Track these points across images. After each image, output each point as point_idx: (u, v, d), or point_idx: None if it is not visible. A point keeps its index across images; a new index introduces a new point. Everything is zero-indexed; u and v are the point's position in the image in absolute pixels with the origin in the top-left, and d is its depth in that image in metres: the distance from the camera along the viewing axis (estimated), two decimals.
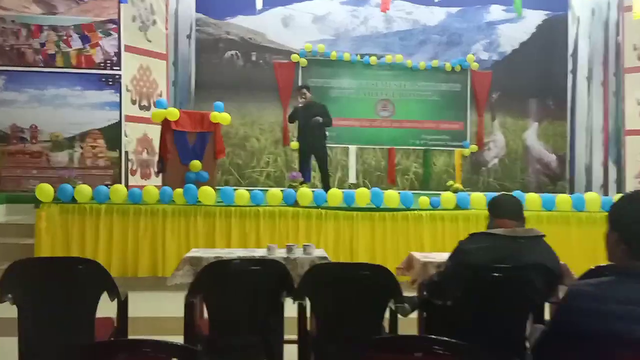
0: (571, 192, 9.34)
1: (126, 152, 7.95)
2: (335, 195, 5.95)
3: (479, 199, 5.92)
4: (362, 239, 5.82)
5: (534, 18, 10.05)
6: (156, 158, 8.50)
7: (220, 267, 2.86)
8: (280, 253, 3.59)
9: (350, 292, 2.73)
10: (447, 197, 5.94)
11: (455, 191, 6.09)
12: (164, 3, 8.39)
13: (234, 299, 2.78)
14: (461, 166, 10.35)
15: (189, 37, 9.71)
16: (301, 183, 6.32)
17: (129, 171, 8.11)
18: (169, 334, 2.05)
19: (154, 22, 8.21)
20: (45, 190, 5.75)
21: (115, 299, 2.96)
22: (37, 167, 7.57)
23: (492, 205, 2.93)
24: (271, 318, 2.90)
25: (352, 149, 10.19)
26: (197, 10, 9.89)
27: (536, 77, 10.24)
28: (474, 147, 10.32)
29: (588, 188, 9.47)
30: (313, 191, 6.04)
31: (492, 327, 2.60)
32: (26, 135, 7.53)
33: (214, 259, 3.52)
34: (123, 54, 7.59)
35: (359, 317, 2.76)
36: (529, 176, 10.40)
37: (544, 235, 2.78)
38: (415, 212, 5.87)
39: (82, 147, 7.66)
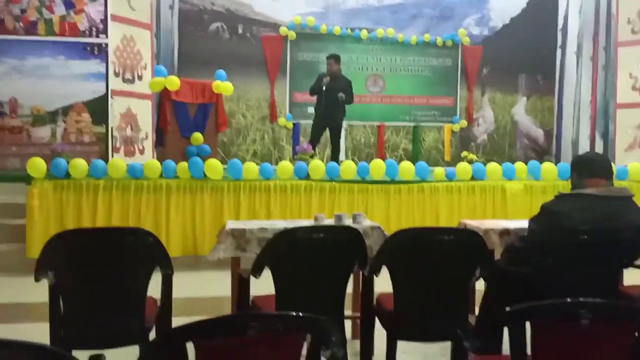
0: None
1: (111, 128, 7.51)
2: (349, 167, 5.71)
3: (496, 169, 5.78)
4: (377, 212, 5.60)
5: None
6: (141, 135, 8.13)
7: (290, 235, 2.58)
8: (328, 223, 3.34)
9: (436, 259, 2.51)
10: (463, 168, 5.78)
11: (471, 162, 5.93)
12: None
13: (306, 271, 2.53)
14: (450, 142, 10.27)
15: (171, 7, 9.21)
16: (311, 156, 6.04)
17: (112, 148, 7.67)
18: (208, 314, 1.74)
19: None
20: (37, 165, 5.31)
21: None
22: (17, 143, 7.05)
23: (581, 163, 2.75)
24: (339, 293, 2.66)
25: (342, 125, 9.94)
26: None
27: (526, 52, 10.18)
28: (463, 123, 10.25)
29: None
30: (326, 164, 5.79)
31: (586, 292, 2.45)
32: (5, 109, 6.98)
33: (258, 231, 3.26)
34: (110, 21, 7.10)
35: (444, 290, 2.55)
36: (517, 151, 10.40)
37: (633, 195, 2.63)
38: (432, 183, 5.70)
39: (65, 122, 7.16)
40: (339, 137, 7.51)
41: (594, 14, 9.29)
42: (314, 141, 7.27)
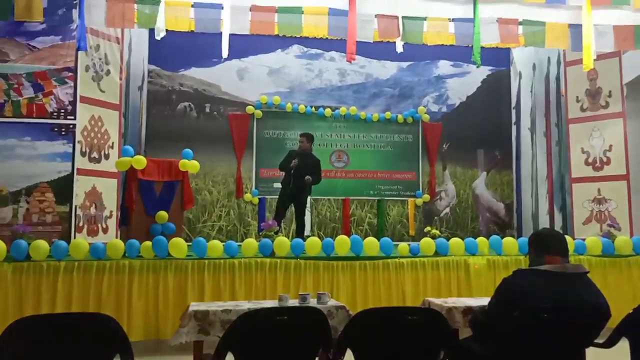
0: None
1: (75, 207, 7.44)
2: (314, 243, 5.76)
3: (458, 244, 5.91)
4: (342, 290, 5.62)
5: (479, 72, 10.51)
6: (105, 213, 8.05)
7: (253, 318, 2.59)
8: (293, 304, 3.35)
9: (400, 341, 2.54)
10: (427, 243, 5.89)
11: (434, 237, 6.05)
12: (119, 53, 8.10)
13: (270, 355, 2.52)
14: (414, 216, 10.45)
15: (140, 88, 9.40)
16: (276, 232, 6.09)
17: (75, 227, 7.57)
18: None
19: (108, 72, 7.88)
20: None
21: None
22: None
23: (539, 240, 2.87)
24: None
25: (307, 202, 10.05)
26: (150, 62, 9.65)
27: (483, 128, 10.63)
28: (426, 197, 10.47)
29: None
30: (291, 239, 5.83)
31: None
32: None
33: (221, 313, 3.24)
34: (78, 102, 7.20)
35: None
36: (480, 224, 10.61)
37: (588, 272, 2.74)
38: (397, 260, 5.77)
39: (28, 202, 7.07)
40: (304, 213, 7.67)
41: (544, 92, 9.79)
42: (279, 217, 7.38)
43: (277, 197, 7.88)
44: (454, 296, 5.46)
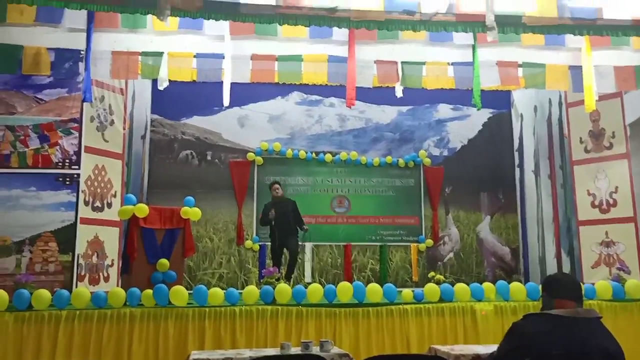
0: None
1: (77, 255, 7.43)
2: (316, 290, 5.70)
3: (464, 290, 5.83)
4: (345, 338, 5.51)
5: (480, 115, 10.57)
6: (106, 262, 8.01)
7: None
8: (295, 352, 3.29)
9: None
10: (431, 289, 5.81)
11: (438, 282, 5.97)
12: (123, 103, 8.24)
13: None
14: (417, 261, 10.33)
15: (143, 137, 9.52)
16: (277, 279, 6.04)
17: (77, 277, 7.53)
18: None
19: (112, 122, 8.01)
20: None
21: None
22: None
23: (551, 284, 2.83)
24: None
25: (308, 246, 9.97)
26: (153, 112, 9.80)
27: (485, 171, 10.61)
28: (429, 242, 10.37)
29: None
30: (292, 287, 5.77)
31: None
32: None
33: None
34: (83, 152, 7.29)
35: None
36: (485, 270, 10.47)
37: (601, 317, 2.69)
38: (400, 306, 5.68)
39: (31, 252, 7.07)
40: (296, 256, 7.94)
41: (547, 134, 9.79)
42: (277, 263, 7.47)
43: (271, 245, 8.13)
44: (460, 343, 5.35)
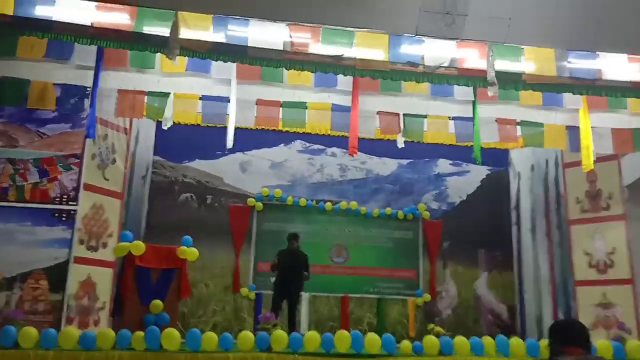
0: None
1: (68, 296, 7.26)
2: (313, 339, 5.57)
3: (464, 344, 5.71)
4: None
5: (478, 172, 10.68)
6: (97, 304, 7.82)
7: None
8: None
9: None
10: (430, 341, 5.69)
11: (437, 335, 5.85)
12: (126, 143, 8.27)
13: None
14: (415, 316, 10.14)
15: (144, 178, 9.50)
16: (274, 325, 5.90)
17: (67, 319, 7.34)
18: None
19: (114, 161, 8.01)
20: None
21: None
22: None
23: (559, 331, 2.78)
24: None
25: (305, 296, 9.79)
26: (156, 153, 9.82)
27: (483, 227, 10.58)
28: (427, 296, 10.21)
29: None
30: (288, 334, 5.64)
31: None
32: None
33: None
34: (82, 189, 7.24)
35: None
36: (482, 327, 10.26)
37: None
38: (399, 358, 5.55)
39: (22, 289, 6.92)
40: (296, 306, 7.79)
41: (544, 194, 9.81)
42: (276, 311, 7.28)
43: (273, 292, 7.90)
44: None
